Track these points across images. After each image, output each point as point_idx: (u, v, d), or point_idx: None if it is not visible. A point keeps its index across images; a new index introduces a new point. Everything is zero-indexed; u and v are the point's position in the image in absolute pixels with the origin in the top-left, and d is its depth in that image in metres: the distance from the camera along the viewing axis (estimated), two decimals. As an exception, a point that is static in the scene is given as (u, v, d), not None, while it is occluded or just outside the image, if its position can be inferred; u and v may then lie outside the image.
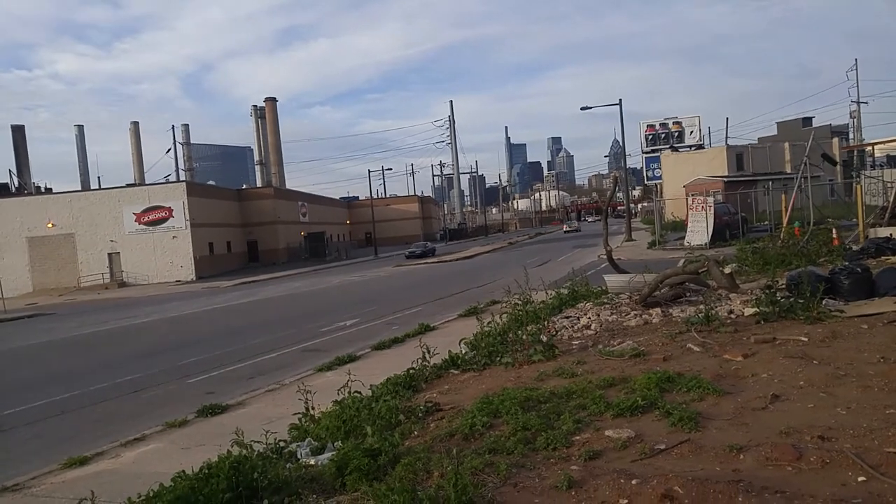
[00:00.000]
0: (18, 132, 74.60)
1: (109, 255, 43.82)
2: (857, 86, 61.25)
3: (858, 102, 62.05)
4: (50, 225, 43.77)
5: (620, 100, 36.09)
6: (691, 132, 58.06)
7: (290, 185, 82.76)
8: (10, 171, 67.32)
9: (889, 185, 24.50)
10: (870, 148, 60.98)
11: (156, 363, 11.85)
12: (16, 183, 65.31)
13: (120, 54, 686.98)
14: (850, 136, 65.28)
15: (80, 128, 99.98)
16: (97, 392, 9.80)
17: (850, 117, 64.67)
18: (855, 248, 14.39)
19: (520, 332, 7.89)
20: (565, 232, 67.30)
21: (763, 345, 6.40)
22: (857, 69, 60.61)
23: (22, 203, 46.21)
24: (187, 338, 15.41)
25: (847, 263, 9.74)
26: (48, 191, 60.35)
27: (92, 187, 69.68)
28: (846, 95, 62.44)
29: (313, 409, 5.77)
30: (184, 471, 4.06)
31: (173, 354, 12.76)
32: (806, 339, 6.40)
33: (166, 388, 9.74)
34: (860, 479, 3.28)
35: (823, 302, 7.77)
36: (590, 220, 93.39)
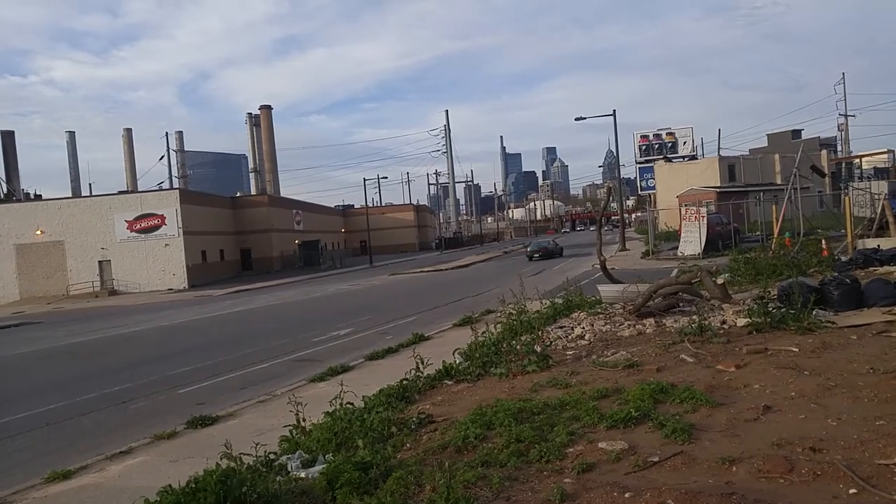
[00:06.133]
0: (8, 137, 74.11)
1: (100, 262, 43.42)
2: (845, 99, 62.30)
3: (846, 115, 63.10)
4: (39, 232, 43.35)
5: (614, 110, 36.54)
6: (684, 143, 58.61)
7: (284, 193, 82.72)
8: (-1, 177, 66.75)
9: (876, 196, 24.84)
10: (857, 160, 61.93)
11: (145, 373, 11.70)
12: (4, 189, 64.74)
13: (117, 62, 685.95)
14: (839, 148, 66.23)
15: (72, 134, 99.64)
16: (84, 403, 9.64)
17: (838, 130, 65.72)
18: (844, 258, 14.54)
19: (514, 342, 7.88)
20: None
21: (755, 355, 6.43)
22: (844, 83, 61.70)
23: (10, 210, 45.77)
24: (178, 347, 15.25)
25: (836, 274, 9.83)
26: (37, 197, 59.90)
27: (84, 194, 69.16)
28: (834, 108, 63.57)
29: (304, 420, 5.71)
30: (170, 485, 4.00)
31: (163, 364, 12.61)
32: (797, 350, 6.43)
33: (155, 398, 9.61)
34: (851, 491, 3.29)
35: (814, 312, 7.82)
36: (592, 228, 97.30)
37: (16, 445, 7.68)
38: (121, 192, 50.96)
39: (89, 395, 10.11)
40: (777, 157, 53.46)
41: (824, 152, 57.47)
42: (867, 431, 4.04)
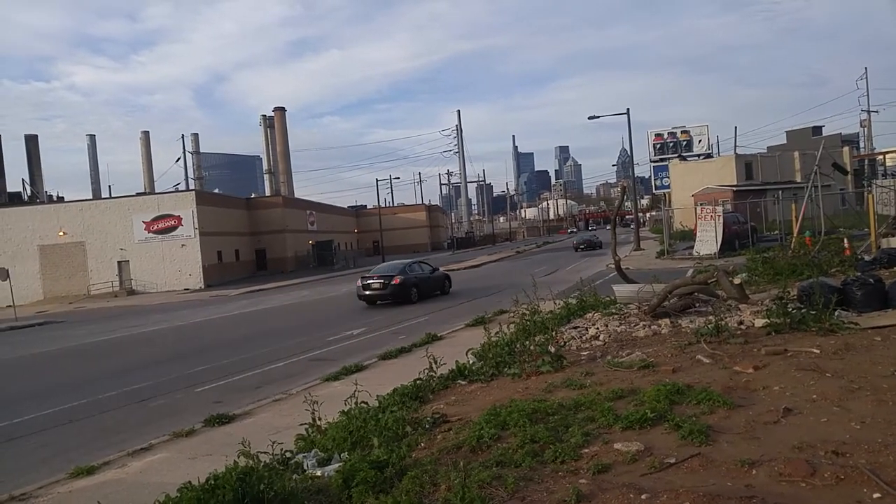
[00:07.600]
0: (32, 141, 75.83)
1: (119, 263, 44.22)
2: (868, 94, 60.95)
3: (869, 111, 61.72)
4: (61, 233, 44.30)
5: (628, 109, 36.07)
6: (699, 141, 57.83)
7: (298, 193, 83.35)
8: (22, 180, 68.40)
9: (901, 194, 24.26)
10: (881, 157, 60.58)
11: (164, 372, 11.89)
12: (28, 192, 66.28)
13: (135, 66, 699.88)
14: (861, 144, 64.87)
15: (93, 137, 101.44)
16: (105, 401, 9.84)
17: (861, 126, 64.35)
18: (867, 258, 14.21)
19: (527, 342, 7.85)
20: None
21: (774, 357, 6.32)
22: (866, 78, 60.34)
23: (34, 211, 46.82)
24: (195, 346, 15.46)
25: (859, 274, 9.63)
26: (60, 199, 61.22)
27: (103, 196, 70.52)
28: (856, 104, 62.28)
29: (320, 419, 5.76)
30: (190, 481, 4.07)
31: (181, 363, 12.80)
32: (818, 352, 6.30)
33: (174, 396, 9.76)
34: (875, 495, 3.22)
35: (836, 313, 7.66)
36: (607, 227, 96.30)
37: (40, 441, 7.86)
38: (139, 194, 51.78)
39: (110, 393, 10.30)
40: (797, 154, 52.45)
41: (846, 149, 56.21)
42: (892, 435, 3.95)
